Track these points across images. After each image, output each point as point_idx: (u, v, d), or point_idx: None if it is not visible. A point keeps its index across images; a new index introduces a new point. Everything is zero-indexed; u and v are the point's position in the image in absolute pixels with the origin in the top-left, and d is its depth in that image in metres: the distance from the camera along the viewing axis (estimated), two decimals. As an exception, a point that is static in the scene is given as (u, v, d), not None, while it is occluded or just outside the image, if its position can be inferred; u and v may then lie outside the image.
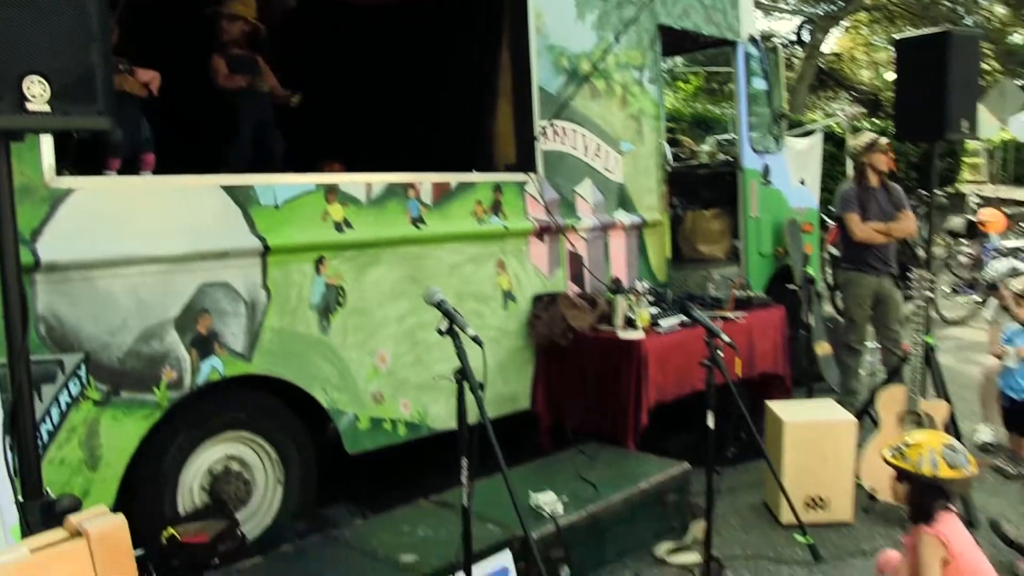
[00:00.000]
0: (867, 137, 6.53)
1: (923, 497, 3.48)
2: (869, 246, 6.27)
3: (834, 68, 30.35)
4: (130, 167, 4.35)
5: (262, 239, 4.14)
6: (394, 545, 3.76)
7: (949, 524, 3.45)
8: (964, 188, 21.57)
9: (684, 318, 5.17)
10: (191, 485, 4.14)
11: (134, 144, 4.39)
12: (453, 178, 4.93)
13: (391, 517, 4.13)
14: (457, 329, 3.11)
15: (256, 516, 4.37)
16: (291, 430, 4.43)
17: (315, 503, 4.58)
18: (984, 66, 35.93)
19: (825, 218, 10.28)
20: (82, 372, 3.66)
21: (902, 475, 3.53)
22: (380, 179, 4.60)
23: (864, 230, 6.24)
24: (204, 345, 4.01)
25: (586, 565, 4.13)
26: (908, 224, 6.42)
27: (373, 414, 4.60)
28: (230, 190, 4.06)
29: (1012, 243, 10.94)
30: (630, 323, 5.13)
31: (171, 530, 3.83)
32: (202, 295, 3.99)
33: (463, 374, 3.09)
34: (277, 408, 4.38)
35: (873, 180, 6.36)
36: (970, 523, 4.64)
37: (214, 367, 4.04)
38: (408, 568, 3.56)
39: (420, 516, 4.09)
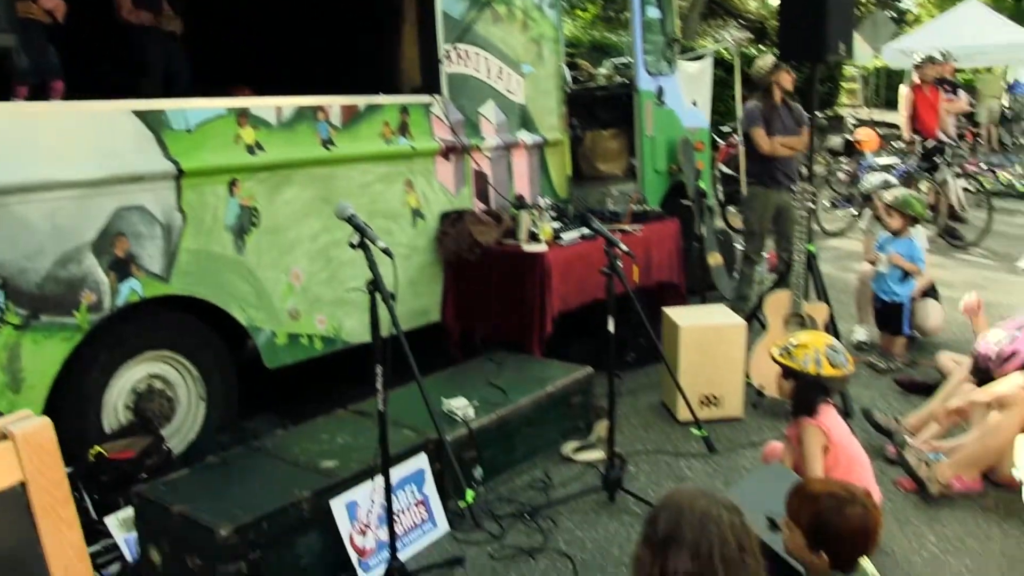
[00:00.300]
0: (772, 58, 6.82)
1: (807, 393, 3.83)
2: (773, 161, 6.59)
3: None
4: (40, 95, 4.35)
5: (175, 162, 4.20)
6: (315, 453, 3.91)
7: (829, 416, 3.82)
8: (842, 111, 22.47)
9: (585, 231, 5.42)
10: (115, 404, 4.25)
11: (42, 71, 4.38)
12: (361, 100, 5.02)
13: (311, 427, 4.27)
14: (368, 242, 3.16)
15: (181, 432, 4.51)
16: (211, 348, 4.56)
17: (237, 417, 4.74)
18: (859, -1, 36.90)
19: (716, 138, 10.65)
20: (0, 298, 3.71)
21: (788, 373, 3.87)
22: (290, 102, 4.68)
23: (770, 144, 6.57)
24: (122, 268, 4.08)
25: (497, 464, 4.40)
26: (808, 139, 6.79)
27: (290, 330, 4.75)
28: (142, 115, 4.10)
29: (884, 160, 11.47)
30: (533, 237, 5.35)
31: (98, 448, 3.93)
32: (118, 219, 4.05)
33: (375, 285, 3.17)
34: (197, 327, 4.50)
35: (777, 98, 6.67)
36: (846, 413, 5.07)
37: (133, 289, 4.12)
38: (329, 473, 3.70)
39: (339, 425, 4.25)
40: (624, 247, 4.08)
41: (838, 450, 3.73)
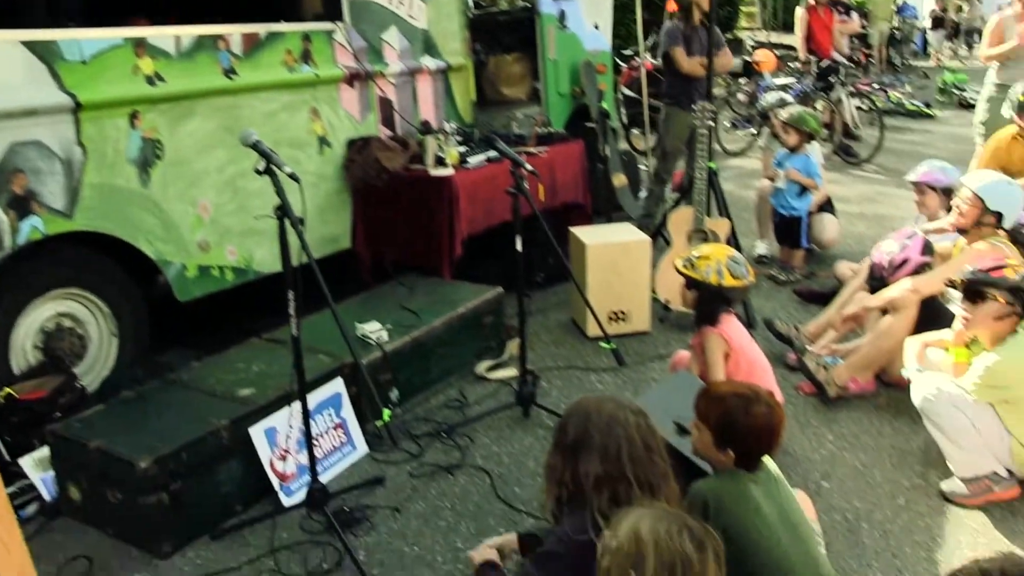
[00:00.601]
0: None
1: (709, 303, 3.98)
2: (692, 82, 6.66)
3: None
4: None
5: (72, 95, 4.09)
6: (231, 382, 3.93)
7: (730, 325, 3.98)
8: (741, 33, 22.74)
9: (491, 154, 5.47)
10: (23, 345, 4.18)
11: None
12: (262, 28, 4.94)
13: (226, 357, 4.27)
14: (274, 168, 3.10)
15: (94, 369, 4.48)
16: (120, 284, 4.50)
17: (151, 352, 4.72)
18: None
19: (618, 61, 10.72)
20: None
21: (691, 284, 4.00)
22: (189, 31, 4.58)
23: (689, 63, 6.64)
24: (21, 205, 3.98)
25: (413, 386, 4.50)
26: (727, 59, 6.91)
27: (200, 262, 4.72)
28: (32, 46, 3.97)
29: (781, 80, 11.73)
30: (440, 162, 5.37)
31: (7, 390, 3.89)
32: (13, 155, 3.93)
33: (283, 210, 3.13)
34: (105, 263, 4.44)
35: (696, 19, 6.72)
36: (749, 324, 5.29)
37: (34, 226, 4.04)
38: (246, 401, 3.73)
39: (254, 353, 4.27)
40: (529, 167, 4.14)
41: (739, 356, 3.91)
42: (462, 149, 5.67)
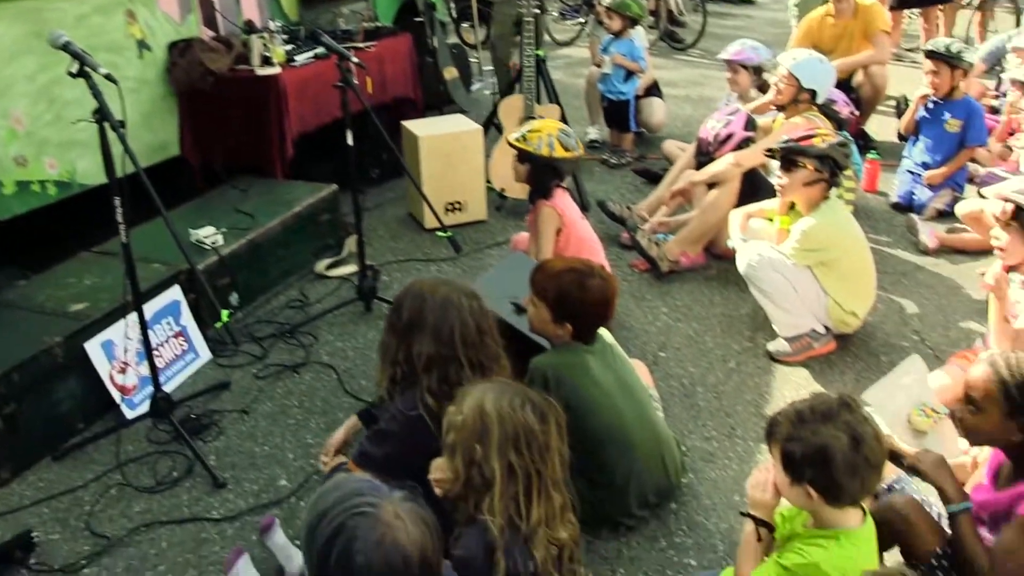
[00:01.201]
0: None
1: (541, 175, 4.06)
2: None
3: None
4: None
5: None
6: (62, 298, 3.80)
7: (562, 199, 4.08)
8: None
9: (319, 51, 5.33)
10: None
11: None
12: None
13: (55, 273, 4.11)
14: (88, 70, 2.93)
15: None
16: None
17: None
18: None
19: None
20: None
21: (523, 157, 4.06)
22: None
23: None
24: None
25: (253, 289, 4.45)
26: None
27: (18, 178, 4.45)
28: None
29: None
30: (267, 61, 5.20)
31: None
32: None
33: (101, 114, 2.99)
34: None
35: None
36: (583, 207, 5.42)
37: None
38: (79, 316, 3.62)
39: (84, 268, 4.12)
40: (355, 59, 4.07)
41: (570, 231, 4.02)
42: (288, 47, 5.49)
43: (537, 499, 2.14)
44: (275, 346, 4.13)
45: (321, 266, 4.80)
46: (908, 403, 3.29)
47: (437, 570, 1.72)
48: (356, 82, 4.10)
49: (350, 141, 4.12)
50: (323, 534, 1.64)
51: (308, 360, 4.02)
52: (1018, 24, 8.78)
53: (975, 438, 2.50)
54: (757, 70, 5.70)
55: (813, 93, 4.78)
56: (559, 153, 4.00)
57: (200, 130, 5.36)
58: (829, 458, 2.06)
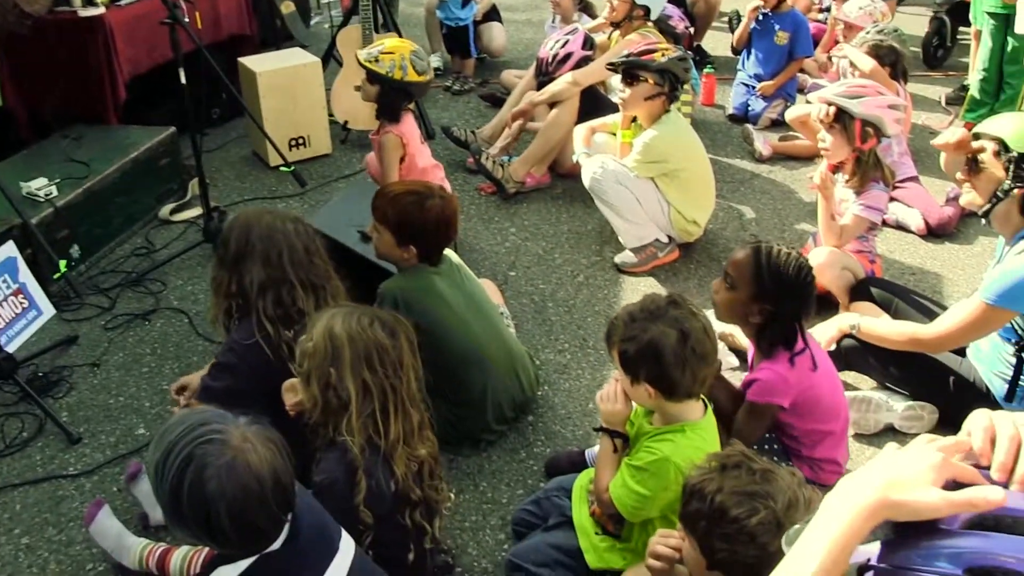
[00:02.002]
0: None
1: (391, 97, 4.02)
2: None
3: None
4: None
5: None
6: None
7: (408, 124, 4.07)
8: None
9: (144, -12, 5.10)
10: None
11: None
12: None
13: None
14: None
15: None
16: None
17: None
18: None
19: None
20: None
21: (374, 78, 3.99)
22: None
23: None
24: None
25: (95, 239, 4.29)
26: None
27: None
28: None
29: None
30: (89, 1, 4.96)
31: None
32: None
33: None
34: None
35: None
36: (428, 135, 5.43)
37: None
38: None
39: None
40: (178, -8, 3.92)
41: (413, 157, 4.03)
42: (110, -15, 5.23)
43: (394, 415, 2.18)
44: (123, 296, 4.02)
45: (165, 211, 4.67)
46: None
47: (291, 489, 1.75)
48: (187, 19, 3.96)
49: (183, 79, 3.98)
50: (172, 468, 1.64)
51: (158, 307, 3.93)
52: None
53: (721, 312, 2.73)
54: None
55: (647, 9, 4.88)
56: (411, 76, 3.98)
57: (23, 78, 5.04)
58: (659, 353, 2.16)
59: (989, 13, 5.18)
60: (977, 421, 0.97)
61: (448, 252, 3.09)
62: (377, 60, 3.98)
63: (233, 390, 2.58)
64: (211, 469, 1.62)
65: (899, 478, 0.93)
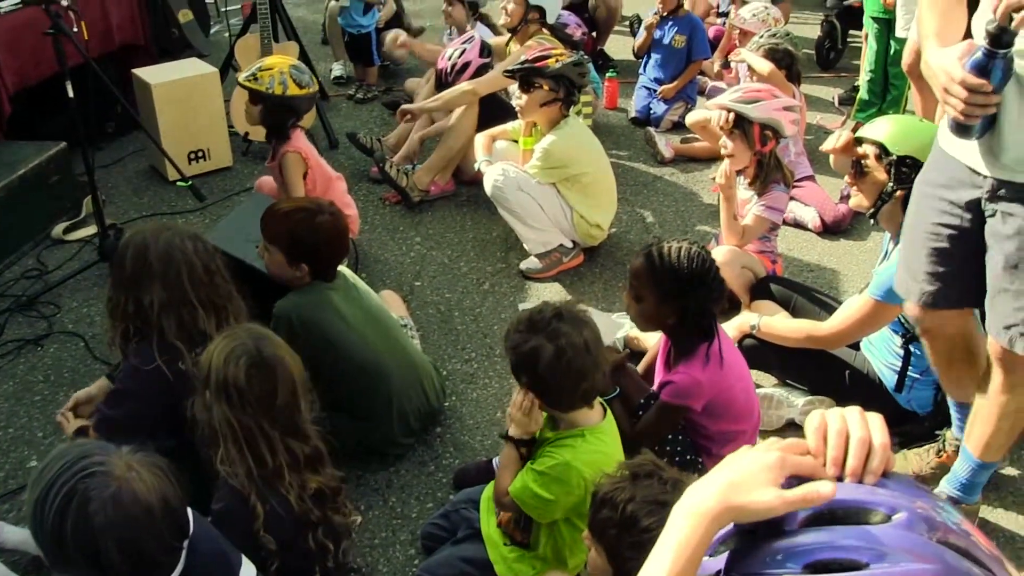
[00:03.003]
0: None
1: (277, 115, 3.93)
2: None
3: None
4: None
5: None
6: None
7: (301, 139, 3.99)
8: None
9: (24, -2, 4.92)
10: None
11: None
12: None
13: None
14: None
15: None
16: None
17: None
18: None
19: None
20: None
21: (256, 98, 3.89)
22: None
23: None
24: None
25: (-18, 262, 4.13)
26: None
27: None
28: None
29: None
30: (-33, 10, 4.77)
31: None
32: None
33: None
34: None
35: None
36: (332, 144, 5.37)
37: None
38: None
39: None
40: (64, 1, 3.78)
41: (316, 172, 3.96)
42: (-12, -6, 5.04)
43: (267, 450, 2.12)
44: (12, 321, 3.85)
45: (58, 230, 4.49)
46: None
47: (182, 515, 1.70)
48: (75, 29, 3.83)
49: (71, 92, 3.84)
50: (52, 506, 1.57)
51: (51, 331, 3.78)
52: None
53: (641, 323, 2.77)
54: (472, 4, 5.79)
55: (542, 12, 4.91)
56: (292, 91, 3.87)
57: (-103, 93, 4.85)
58: (534, 364, 2.19)
59: (873, 18, 5.34)
60: (811, 421, 0.99)
61: (342, 268, 3.05)
62: (256, 78, 3.86)
63: (135, 417, 2.49)
64: (96, 503, 1.56)
65: (737, 480, 0.95)
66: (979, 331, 2.57)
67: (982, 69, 1.98)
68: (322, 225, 2.86)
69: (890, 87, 5.45)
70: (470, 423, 3.24)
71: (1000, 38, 1.93)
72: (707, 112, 4.11)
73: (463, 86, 4.74)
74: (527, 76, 4.02)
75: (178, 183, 4.29)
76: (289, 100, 3.89)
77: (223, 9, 7.11)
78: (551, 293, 4.01)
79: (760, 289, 3.65)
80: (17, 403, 3.37)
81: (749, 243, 3.75)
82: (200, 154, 5.05)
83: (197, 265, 2.50)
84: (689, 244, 2.58)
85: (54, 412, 3.23)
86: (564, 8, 5.99)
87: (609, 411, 2.40)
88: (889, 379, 3.12)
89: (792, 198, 4.39)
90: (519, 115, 4.17)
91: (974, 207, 2.26)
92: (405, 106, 4.95)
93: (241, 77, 3.93)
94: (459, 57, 4.96)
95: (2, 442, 3.18)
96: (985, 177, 2.20)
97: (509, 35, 5.08)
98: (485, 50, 5.00)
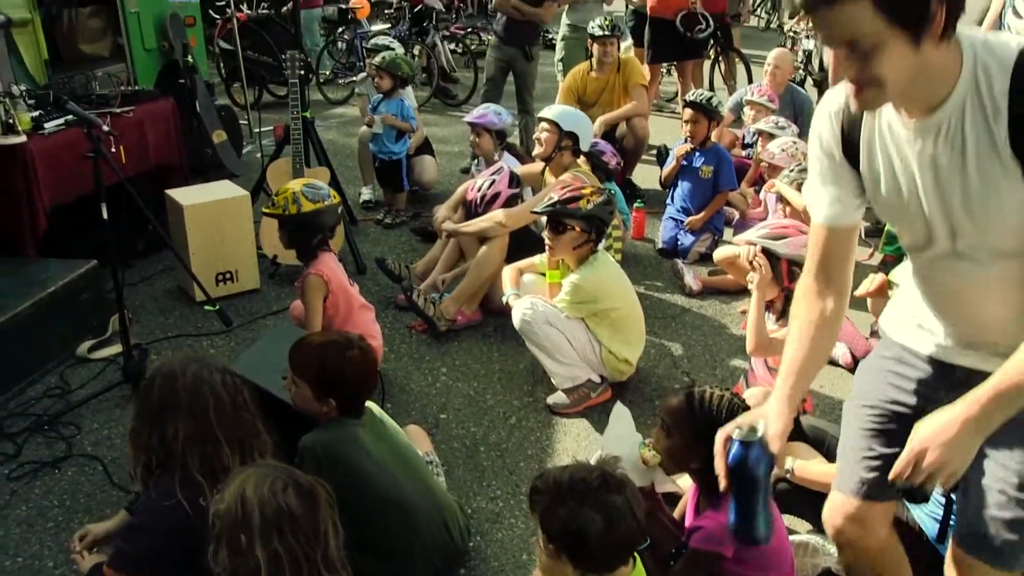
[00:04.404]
0: None
1: (298, 234, 4.01)
2: None
3: None
4: None
5: None
6: None
7: (329, 263, 4.01)
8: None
9: (71, 118, 5.03)
10: None
11: None
12: None
13: None
14: None
15: None
16: None
17: None
18: None
19: (212, 13, 10.28)
20: None
21: (279, 222, 4.02)
22: None
23: None
24: None
25: (4, 379, 4.08)
26: None
27: None
28: None
29: (378, 27, 11.87)
30: (10, 128, 4.86)
31: None
32: None
33: None
34: None
35: None
36: (360, 270, 5.39)
37: None
38: None
39: None
40: (103, 124, 3.89)
41: (338, 296, 3.95)
42: (35, 113, 5.16)
43: None
44: (31, 441, 3.79)
45: (83, 348, 4.48)
46: (632, 446, 3.44)
47: None
48: (113, 150, 3.90)
49: (105, 214, 3.89)
50: None
51: (70, 453, 3.71)
52: (748, 73, 9.42)
53: (667, 462, 2.73)
54: (500, 134, 5.84)
55: (575, 139, 4.95)
56: (306, 207, 3.97)
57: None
58: (584, 539, 2.10)
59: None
60: None
61: (370, 403, 3.00)
62: (273, 204, 4.03)
63: (153, 552, 2.40)
64: None
65: None
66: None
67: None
68: (351, 360, 2.82)
69: (915, 218, 5.44)
70: (495, 564, 3.12)
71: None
72: (735, 248, 4.10)
73: (495, 215, 4.76)
74: (557, 218, 4.03)
75: (205, 306, 4.29)
76: (305, 217, 3.97)
77: (256, 130, 7.24)
78: (578, 429, 3.93)
79: (792, 430, 3.55)
80: (29, 529, 3.28)
81: (770, 355, 3.69)
82: (228, 275, 5.07)
83: (224, 399, 2.45)
84: (730, 395, 2.58)
85: (67, 539, 3.16)
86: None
87: (638, 560, 2.30)
88: (930, 528, 2.99)
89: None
90: (549, 252, 4.17)
91: None
92: (446, 225, 4.98)
93: (264, 208, 4.06)
94: (488, 188, 5.01)
95: (10, 571, 3.07)
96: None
97: (543, 164, 5.11)
98: (514, 180, 5.04)
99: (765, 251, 3.67)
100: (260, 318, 4.91)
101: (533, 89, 7.66)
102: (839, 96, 2.01)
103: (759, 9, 16.44)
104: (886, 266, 5.57)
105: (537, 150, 5.10)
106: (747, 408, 2.57)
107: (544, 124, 4.95)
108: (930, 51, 1.68)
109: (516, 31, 7.39)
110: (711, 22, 8.59)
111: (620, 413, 3.47)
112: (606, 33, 6.79)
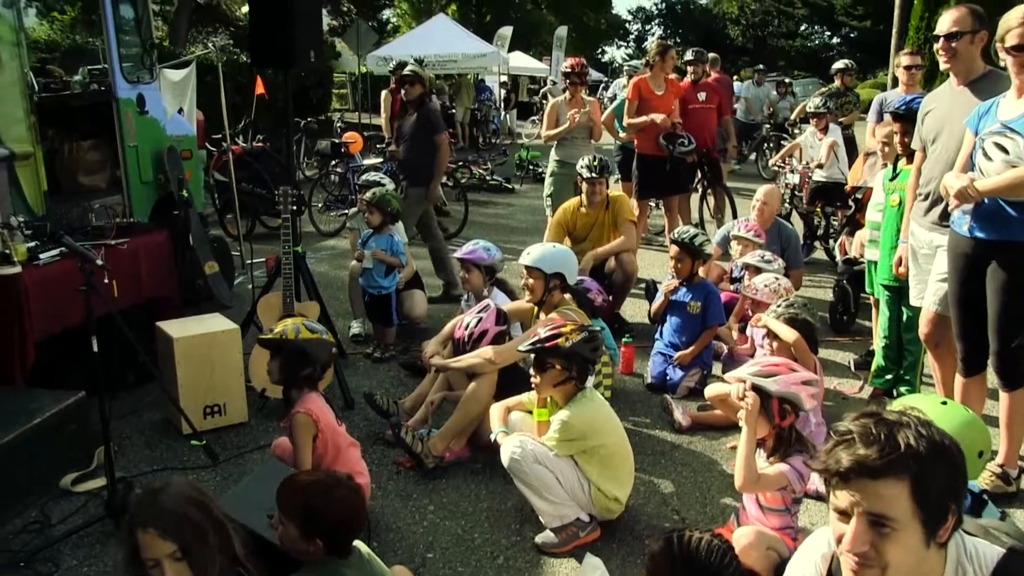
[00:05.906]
0: None
1: (293, 364, 4.04)
2: None
3: (212, 3, 31.16)
4: None
5: None
6: None
7: (316, 401, 4.01)
8: (334, 115, 23.55)
9: (65, 249, 5.10)
10: None
11: None
12: None
13: None
14: None
15: None
16: None
17: None
18: (343, 7, 38.82)
19: (209, 146, 10.54)
20: None
21: (274, 348, 4.07)
22: None
23: None
24: None
25: (-15, 511, 4.02)
26: None
27: None
28: None
29: (370, 160, 12.17)
30: (6, 259, 4.92)
31: None
32: None
33: None
34: None
35: None
36: (348, 404, 5.37)
37: None
38: None
39: None
40: (97, 259, 3.94)
41: (327, 434, 3.94)
42: (32, 244, 5.22)
43: None
44: (6, 578, 3.72)
45: (67, 480, 4.42)
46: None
47: None
48: (106, 281, 3.94)
49: (95, 347, 3.91)
50: None
51: (46, 590, 3.63)
52: (732, 207, 9.62)
53: None
54: (489, 270, 5.90)
55: (562, 277, 5.03)
56: (304, 334, 4.07)
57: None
58: None
59: (884, 285, 5.45)
60: None
61: (358, 543, 2.95)
62: (273, 331, 4.16)
63: None
64: None
65: None
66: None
67: None
68: (338, 500, 2.80)
69: (905, 353, 5.50)
70: None
71: None
72: (725, 386, 4.12)
73: (484, 351, 4.78)
74: (539, 356, 4.08)
75: (191, 441, 4.26)
76: (303, 344, 4.04)
77: (248, 261, 7.33)
78: (567, 569, 3.85)
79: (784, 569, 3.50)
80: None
81: (760, 491, 3.66)
82: (216, 408, 5.05)
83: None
84: (711, 537, 2.60)
85: None
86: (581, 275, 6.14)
87: None
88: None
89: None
90: (535, 389, 4.19)
91: None
92: (435, 360, 4.99)
93: (260, 338, 4.18)
94: (476, 326, 5.03)
95: None
96: None
97: (535, 306, 5.18)
98: (501, 318, 5.08)
99: (756, 388, 3.69)
100: (247, 452, 4.86)
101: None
102: (823, 544, 2.15)
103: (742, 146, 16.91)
104: (876, 399, 5.64)
105: (527, 297, 5.18)
106: (730, 549, 2.57)
107: (525, 272, 5.05)
108: (931, 553, 1.77)
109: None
110: (692, 140, 8.81)
111: (592, 563, 3.43)
112: (594, 175, 6.97)
